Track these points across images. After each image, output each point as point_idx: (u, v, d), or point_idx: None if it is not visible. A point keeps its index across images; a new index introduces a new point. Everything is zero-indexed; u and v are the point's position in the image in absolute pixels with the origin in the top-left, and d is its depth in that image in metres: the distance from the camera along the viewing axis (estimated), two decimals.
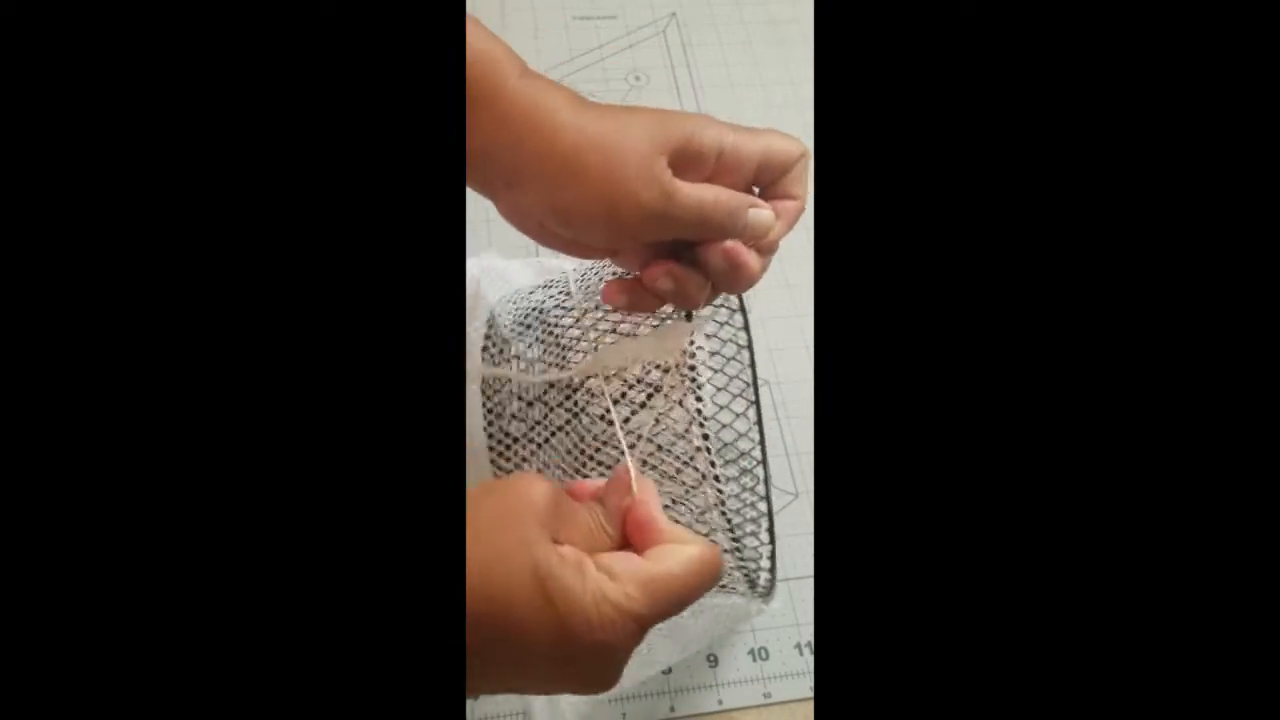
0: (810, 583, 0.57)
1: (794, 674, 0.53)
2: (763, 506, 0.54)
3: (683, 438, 0.38)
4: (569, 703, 0.49)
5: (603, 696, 0.51)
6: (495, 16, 0.78)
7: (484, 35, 0.35)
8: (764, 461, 0.55)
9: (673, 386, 0.37)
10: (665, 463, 0.40)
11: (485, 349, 0.42)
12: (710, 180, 0.37)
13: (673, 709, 0.52)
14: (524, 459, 0.42)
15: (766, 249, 0.38)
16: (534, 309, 0.43)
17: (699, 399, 0.37)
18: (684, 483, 0.40)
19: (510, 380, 0.41)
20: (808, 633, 0.55)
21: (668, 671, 0.52)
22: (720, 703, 0.52)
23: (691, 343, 0.37)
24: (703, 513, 0.40)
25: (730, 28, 0.81)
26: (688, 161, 0.36)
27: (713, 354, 0.57)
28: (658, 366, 0.38)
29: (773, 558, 0.52)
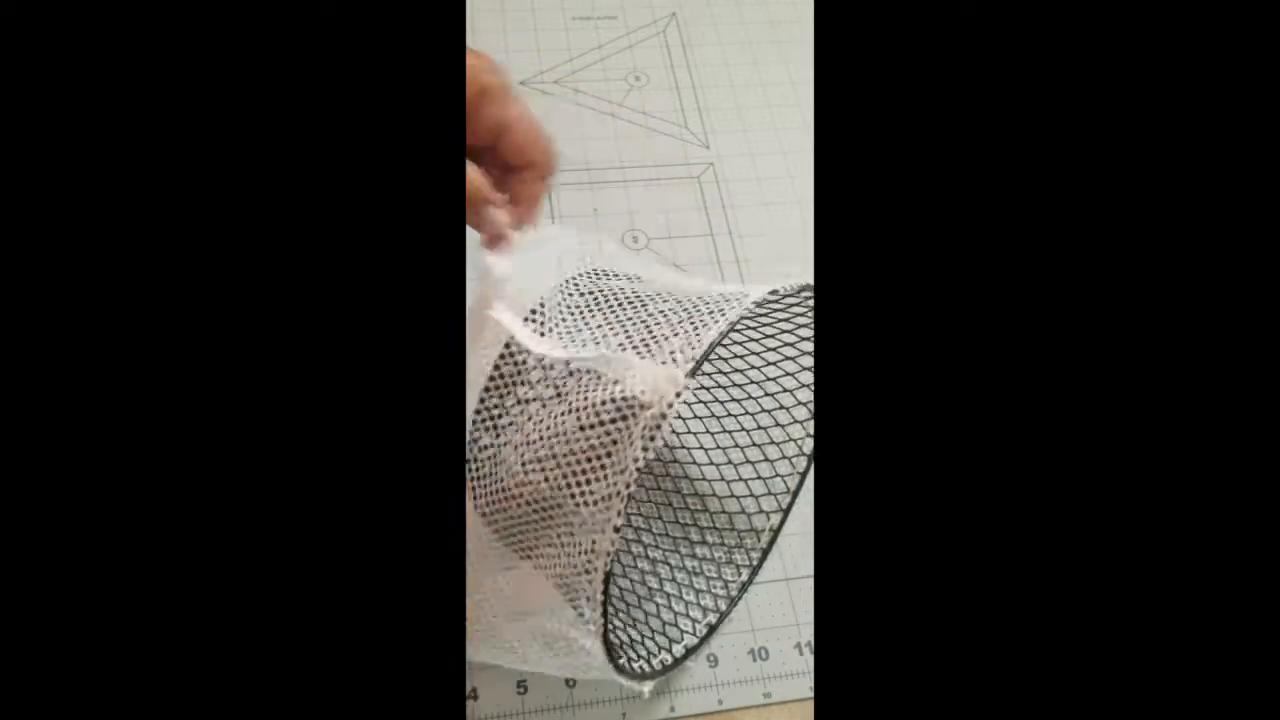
0: (810, 583, 0.57)
1: (794, 674, 0.53)
2: (720, 602, 0.52)
3: (617, 472, 0.37)
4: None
5: (602, 696, 0.51)
6: (495, 16, 0.78)
7: None
8: (759, 563, 0.54)
9: (636, 426, 0.36)
10: (584, 465, 0.38)
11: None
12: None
13: (673, 709, 0.51)
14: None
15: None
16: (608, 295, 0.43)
17: (644, 451, 0.35)
18: (584, 491, 0.38)
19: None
20: (808, 633, 0.55)
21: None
22: (720, 703, 0.52)
23: (678, 395, 0.36)
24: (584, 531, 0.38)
25: (730, 28, 0.81)
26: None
27: (763, 447, 0.56)
28: (637, 397, 0.37)
29: (675, 660, 0.49)
